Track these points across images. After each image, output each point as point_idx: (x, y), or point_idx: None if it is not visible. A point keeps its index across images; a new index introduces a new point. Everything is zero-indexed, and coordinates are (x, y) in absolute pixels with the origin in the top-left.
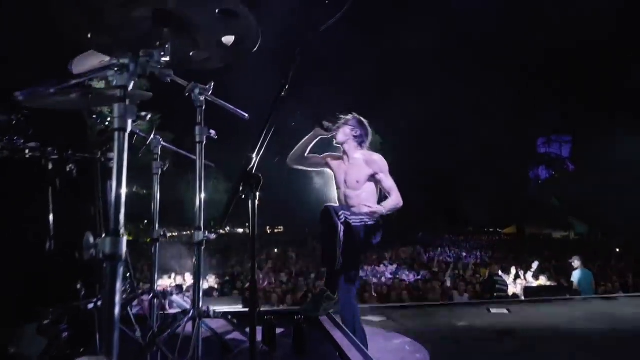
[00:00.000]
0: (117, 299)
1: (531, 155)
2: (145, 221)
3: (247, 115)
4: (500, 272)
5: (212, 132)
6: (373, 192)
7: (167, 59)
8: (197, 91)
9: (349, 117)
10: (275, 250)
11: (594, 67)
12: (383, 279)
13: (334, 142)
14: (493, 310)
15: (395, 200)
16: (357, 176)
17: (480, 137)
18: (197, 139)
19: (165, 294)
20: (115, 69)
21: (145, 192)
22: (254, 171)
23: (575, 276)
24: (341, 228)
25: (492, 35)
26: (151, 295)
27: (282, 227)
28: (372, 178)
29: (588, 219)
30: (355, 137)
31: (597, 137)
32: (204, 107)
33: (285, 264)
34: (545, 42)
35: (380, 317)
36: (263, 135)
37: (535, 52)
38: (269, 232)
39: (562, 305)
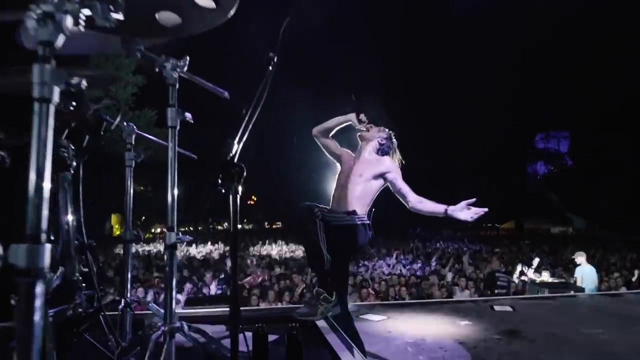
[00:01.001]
0: (37, 324)
1: (530, 150)
2: (143, 217)
3: (226, 93)
4: (500, 268)
5: (188, 115)
6: (369, 193)
7: (120, 15)
8: (168, 66)
9: (386, 129)
10: (273, 246)
11: (593, 61)
12: (382, 275)
13: (357, 135)
14: (497, 308)
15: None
16: (361, 171)
17: (478, 132)
18: (169, 123)
19: (139, 302)
20: (35, 17)
21: (142, 188)
22: (235, 160)
23: (579, 272)
24: (320, 225)
25: (489, 30)
26: (122, 304)
27: (280, 223)
28: (380, 177)
29: (586, 214)
30: (380, 143)
31: (595, 133)
32: (177, 86)
33: (283, 260)
34: (543, 36)
35: (380, 316)
36: (247, 118)
37: (533, 47)
38: (267, 227)
39: (567, 302)
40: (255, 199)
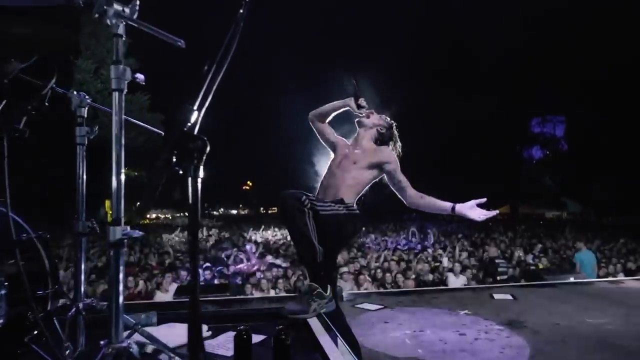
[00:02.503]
0: None
1: (525, 134)
2: (138, 203)
3: (182, 41)
4: (498, 254)
5: (140, 76)
6: (361, 182)
7: None
8: (111, 12)
9: (388, 119)
10: (269, 232)
11: (589, 44)
12: (377, 261)
13: (355, 120)
14: (496, 296)
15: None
16: (357, 158)
17: (473, 116)
18: (113, 85)
19: (94, 306)
20: None
21: (136, 173)
22: (195, 132)
23: (578, 258)
24: (309, 214)
25: (484, 13)
26: (73, 310)
27: (275, 208)
28: (376, 167)
29: (581, 198)
30: (379, 131)
31: (591, 117)
32: (124, 37)
33: (279, 247)
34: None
35: (377, 305)
36: (210, 77)
37: (529, 28)
38: (262, 212)
39: (569, 289)
40: (250, 184)
